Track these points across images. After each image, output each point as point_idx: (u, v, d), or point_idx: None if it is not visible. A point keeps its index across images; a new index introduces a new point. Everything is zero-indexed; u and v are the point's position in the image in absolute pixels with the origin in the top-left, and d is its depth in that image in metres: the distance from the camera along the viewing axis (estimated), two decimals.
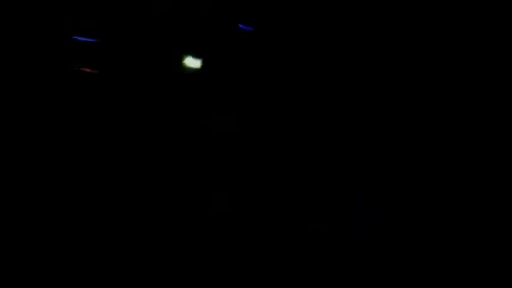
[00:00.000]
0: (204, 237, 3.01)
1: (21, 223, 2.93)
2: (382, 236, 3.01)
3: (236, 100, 3.29)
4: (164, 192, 3.10)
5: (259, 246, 2.99)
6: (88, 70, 3.20)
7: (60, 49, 3.16)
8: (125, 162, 3.13)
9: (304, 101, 3.29)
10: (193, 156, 3.19)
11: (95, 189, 3.05)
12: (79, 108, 3.17)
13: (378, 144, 3.21)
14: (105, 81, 3.23)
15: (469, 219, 2.99)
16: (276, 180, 3.17)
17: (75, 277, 2.82)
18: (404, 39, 3.27)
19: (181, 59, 3.19)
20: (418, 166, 3.16)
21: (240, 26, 3.21)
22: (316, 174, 3.18)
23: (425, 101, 3.22)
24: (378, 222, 3.03)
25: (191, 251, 2.97)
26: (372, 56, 3.29)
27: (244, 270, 2.92)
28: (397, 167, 3.18)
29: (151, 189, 3.11)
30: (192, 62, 3.25)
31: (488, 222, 2.97)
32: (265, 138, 3.24)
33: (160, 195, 3.10)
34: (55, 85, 3.16)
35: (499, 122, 3.11)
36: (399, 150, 3.20)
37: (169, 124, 3.23)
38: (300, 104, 3.28)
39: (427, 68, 3.25)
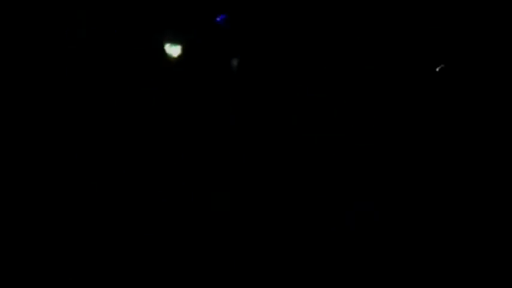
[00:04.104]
0: (204, 237, 3.01)
1: (22, 223, 2.93)
2: (381, 236, 3.01)
3: (233, 99, 3.29)
4: (164, 192, 3.10)
5: (260, 246, 2.99)
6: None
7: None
8: (124, 162, 3.13)
9: (304, 100, 3.29)
10: (193, 156, 3.19)
11: (95, 189, 3.05)
12: (73, 107, 3.17)
13: (376, 143, 3.21)
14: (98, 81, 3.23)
15: (468, 219, 3.00)
16: (276, 181, 3.17)
17: (75, 277, 2.82)
18: (404, 40, 3.27)
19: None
20: (417, 166, 3.16)
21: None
22: (316, 174, 3.18)
23: (422, 101, 3.22)
24: (377, 222, 3.03)
25: (191, 251, 2.97)
26: (369, 55, 3.29)
27: (244, 270, 2.92)
28: (397, 167, 3.18)
29: (151, 189, 3.10)
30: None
31: (486, 222, 2.98)
32: (264, 138, 3.24)
33: (160, 195, 3.10)
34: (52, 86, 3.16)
35: (494, 123, 3.11)
36: (398, 150, 3.20)
37: (169, 124, 3.23)
38: (299, 103, 3.28)
39: (422, 69, 3.25)
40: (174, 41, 3.30)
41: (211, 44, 3.34)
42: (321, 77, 3.32)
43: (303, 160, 3.22)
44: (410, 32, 3.28)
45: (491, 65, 3.17)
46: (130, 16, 3.27)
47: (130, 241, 2.96)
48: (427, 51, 3.27)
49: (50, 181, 3.03)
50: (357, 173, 3.18)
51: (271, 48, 3.34)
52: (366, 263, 2.93)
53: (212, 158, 3.20)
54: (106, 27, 3.27)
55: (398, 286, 2.87)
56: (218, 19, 3.25)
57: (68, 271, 2.83)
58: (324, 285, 2.89)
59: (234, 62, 3.19)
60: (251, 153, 3.22)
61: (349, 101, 3.28)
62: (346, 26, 3.31)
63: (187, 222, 3.05)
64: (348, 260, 2.94)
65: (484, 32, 3.19)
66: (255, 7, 3.33)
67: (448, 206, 3.05)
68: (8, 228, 2.89)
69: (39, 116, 3.12)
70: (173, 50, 3.30)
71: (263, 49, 3.34)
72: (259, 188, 3.14)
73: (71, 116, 3.15)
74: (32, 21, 3.16)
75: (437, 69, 3.06)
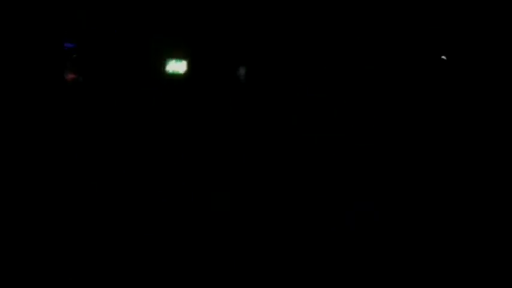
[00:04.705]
0: (204, 237, 3.01)
1: (23, 224, 2.93)
2: (381, 235, 3.01)
3: (233, 100, 3.30)
4: (164, 192, 3.11)
5: (260, 246, 2.99)
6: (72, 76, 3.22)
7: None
8: (125, 162, 3.13)
9: (304, 100, 3.29)
10: (193, 157, 3.20)
11: (96, 189, 3.06)
12: (74, 108, 3.17)
13: (376, 144, 3.22)
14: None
15: (465, 219, 3.00)
16: (276, 181, 3.18)
17: (76, 277, 2.82)
18: (402, 41, 3.27)
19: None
20: (417, 167, 3.17)
21: None
22: (317, 174, 3.19)
23: (422, 102, 3.23)
24: (377, 222, 3.03)
25: (191, 251, 2.97)
26: (369, 56, 3.29)
27: (244, 269, 2.92)
28: (396, 168, 3.19)
29: (152, 189, 3.11)
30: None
31: (485, 222, 2.98)
32: (264, 138, 3.24)
33: (160, 195, 3.10)
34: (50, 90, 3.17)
35: (492, 125, 3.11)
36: (398, 150, 3.21)
37: (169, 124, 3.23)
38: (299, 103, 3.29)
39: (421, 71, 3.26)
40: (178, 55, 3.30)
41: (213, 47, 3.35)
42: (320, 77, 3.32)
43: (303, 160, 3.22)
44: (408, 33, 3.28)
45: (489, 66, 3.17)
46: (131, 18, 3.28)
47: (130, 240, 2.97)
48: (425, 51, 3.27)
49: (50, 181, 3.04)
50: (357, 173, 3.19)
51: (272, 50, 3.34)
52: (366, 263, 2.93)
53: (212, 158, 3.20)
54: (106, 27, 3.27)
55: (398, 286, 2.87)
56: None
57: (68, 271, 2.83)
58: (324, 284, 2.89)
59: (236, 64, 3.19)
60: (251, 153, 3.23)
61: (349, 101, 3.29)
62: (346, 28, 3.31)
63: (188, 222, 3.06)
64: (348, 259, 2.95)
65: (481, 32, 3.19)
66: (256, 10, 3.34)
67: (447, 205, 3.05)
68: (7, 228, 2.90)
69: (39, 116, 3.12)
70: (179, 66, 3.30)
71: (264, 51, 3.35)
72: (259, 188, 3.14)
73: (72, 116, 3.16)
74: (32, 21, 3.16)
75: (439, 67, 3.07)
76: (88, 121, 3.20)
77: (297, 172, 3.21)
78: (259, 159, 3.23)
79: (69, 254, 2.89)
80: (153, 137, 3.22)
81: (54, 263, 2.85)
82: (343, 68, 3.32)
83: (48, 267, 2.83)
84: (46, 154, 3.09)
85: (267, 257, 2.96)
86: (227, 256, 2.97)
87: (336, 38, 3.33)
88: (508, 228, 2.92)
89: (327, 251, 2.99)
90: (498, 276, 2.80)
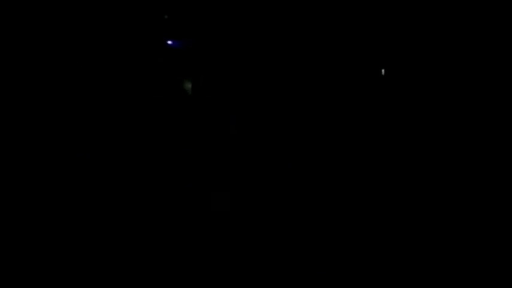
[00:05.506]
0: (204, 237, 3.02)
1: (23, 223, 2.94)
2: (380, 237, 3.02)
3: (234, 99, 3.30)
4: (164, 192, 3.11)
5: (259, 246, 3.00)
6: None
7: None
8: (125, 162, 3.14)
9: (303, 100, 3.30)
10: (193, 156, 3.20)
11: (96, 189, 3.06)
12: (76, 108, 3.18)
13: (375, 144, 3.23)
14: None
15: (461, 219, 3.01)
16: (276, 180, 3.18)
17: (76, 277, 2.83)
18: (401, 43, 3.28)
19: None
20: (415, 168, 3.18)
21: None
22: (316, 174, 3.19)
23: (421, 102, 3.24)
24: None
25: (191, 250, 2.98)
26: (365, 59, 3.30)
27: (244, 269, 2.93)
28: (393, 168, 3.20)
29: (152, 189, 3.11)
30: None
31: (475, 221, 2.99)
32: (264, 138, 3.25)
33: (160, 195, 3.11)
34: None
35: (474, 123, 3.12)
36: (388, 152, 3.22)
37: (169, 124, 3.24)
38: (299, 103, 3.30)
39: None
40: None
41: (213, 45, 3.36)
42: (320, 77, 3.33)
43: (303, 160, 3.23)
44: (408, 35, 3.29)
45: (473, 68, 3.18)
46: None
47: (130, 241, 2.97)
48: (423, 53, 3.28)
49: (50, 181, 3.04)
50: (357, 173, 3.19)
51: (271, 50, 3.35)
52: (365, 266, 2.95)
53: (212, 158, 3.21)
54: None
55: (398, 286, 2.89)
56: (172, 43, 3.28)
57: (68, 271, 2.84)
58: (323, 284, 2.90)
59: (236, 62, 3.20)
60: (251, 153, 3.23)
61: (349, 101, 3.29)
62: (343, 28, 3.32)
63: (188, 222, 3.06)
64: (347, 259, 2.96)
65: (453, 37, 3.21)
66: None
67: (440, 205, 3.06)
68: (8, 228, 2.90)
69: (40, 117, 3.12)
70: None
71: (262, 50, 3.36)
72: (259, 188, 3.15)
73: (74, 117, 3.16)
74: (33, 21, 3.17)
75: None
76: (88, 119, 3.20)
77: (297, 172, 3.22)
78: (259, 159, 3.24)
79: (69, 254, 2.90)
80: (153, 135, 3.23)
81: (54, 263, 2.85)
82: (342, 68, 3.33)
83: (48, 267, 2.84)
84: (45, 152, 3.10)
85: (267, 256, 2.97)
86: (227, 255, 2.98)
87: (334, 38, 3.34)
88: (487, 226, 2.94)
89: (326, 251, 3.00)
90: (492, 276, 2.82)
